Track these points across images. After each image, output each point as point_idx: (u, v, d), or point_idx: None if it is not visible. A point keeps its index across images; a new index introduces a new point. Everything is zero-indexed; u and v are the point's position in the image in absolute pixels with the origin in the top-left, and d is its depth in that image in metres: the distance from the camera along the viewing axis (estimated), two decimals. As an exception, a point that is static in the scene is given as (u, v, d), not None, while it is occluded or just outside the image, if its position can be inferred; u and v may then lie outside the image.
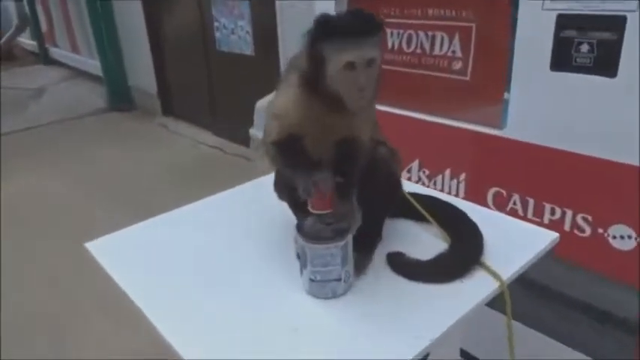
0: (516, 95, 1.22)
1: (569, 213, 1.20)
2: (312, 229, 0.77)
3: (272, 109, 0.87)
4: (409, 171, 1.52)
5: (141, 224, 1.08)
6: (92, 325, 2.03)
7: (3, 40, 7.48)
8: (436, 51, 1.39)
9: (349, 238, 0.79)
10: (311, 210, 0.77)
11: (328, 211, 0.77)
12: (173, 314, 0.80)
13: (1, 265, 2.41)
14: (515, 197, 1.29)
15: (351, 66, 0.73)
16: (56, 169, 3.70)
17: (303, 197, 0.77)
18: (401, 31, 1.46)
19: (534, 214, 1.26)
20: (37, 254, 2.57)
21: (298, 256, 0.83)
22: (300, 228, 0.78)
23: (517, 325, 1.19)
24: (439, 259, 0.89)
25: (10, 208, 3.08)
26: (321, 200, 0.76)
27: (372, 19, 0.75)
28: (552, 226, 1.21)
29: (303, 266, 0.80)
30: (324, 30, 0.74)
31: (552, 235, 0.96)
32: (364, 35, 0.73)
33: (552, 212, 1.23)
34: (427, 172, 1.49)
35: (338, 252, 0.77)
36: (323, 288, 0.80)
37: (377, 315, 0.78)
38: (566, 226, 1.21)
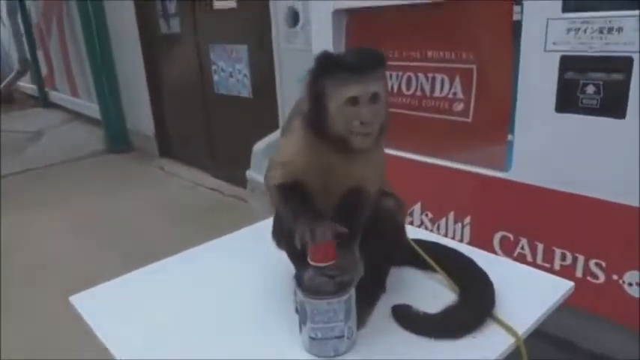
0: (521, 137, 1.19)
1: (580, 258, 1.15)
2: (312, 282, 0.71)
3: (277, 158, 0.83)
4: (411, 214, 1.47)
5: (132, 274, 1.03)
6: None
7: (4, 83, 7.57)
8: (437, 93, 1.37)
9: (352, 291, 0.74)
10: (310, 262, 0.72)
11: (329, 263, 0.71)
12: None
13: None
14: (523, 242, 1.25)
15: (353, 101, 0.71)
16: (54, 212, 3.65)
17: (299, 245, 0.72)
18: (400, 73, 1.45)
19: (544, 260, 1.21)
20: (34, 302, 2.48)
21: (297, 310, 0.77)
22: (299, 281, 0.73)
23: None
24: (449, 312, 0.83)
25: (7, 252, 3.00)
26: (321, 251, 0.71)
27: (374, 54, 0.73)
28: (563, 272, 1.16)
29: (302, 322, 0.74)
30: (326, 66, 0.72)
31: (567, 285, 0.91)
32: (367, 70, 0.71)
33: (563, 257, 1.18)
34: (430, 215, 1.45)
35: (341, 307, 0.71)
36: (325, 346, 0.73)
37: (384, 376, 0.72)
38: (578, 273, 1.16)
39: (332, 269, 0.71)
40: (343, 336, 0.74)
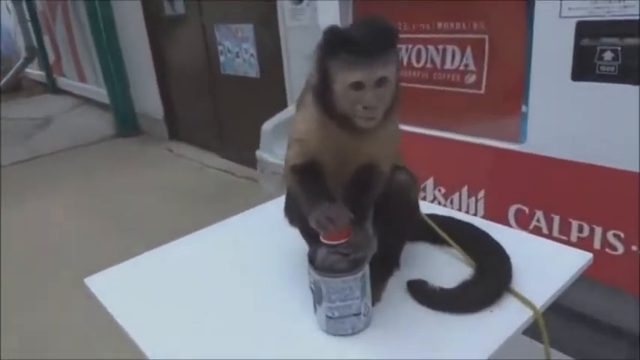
0: (535, 108, 1.16)
1: (598, 230, 1.13)
2: (326, 261, 0.70)
3: (293, 135, 0.81)
4: (424, 189, 1.45)
5: (144, 255, 1.03)
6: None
7: (12, 71, 7.59)
8: (447, 65, 1.34)
9: (366, 267, 0.73)
10: (323, 240, 0.70)
11: (342, 241, 0.70)
12: (177, 355, 0.74)
13: (3, 300, 2.36)
14: (539, 214, 1.23)
15: (358, 85, 0.68)
16: (64, 197, 3.69)
17: (317, 229, 0.71)
18: (410, 46, 1.41)
19: (560, 232, 1.19)
20: (42, 288, 2.51)
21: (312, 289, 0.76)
22: (312, 260, 0.71)
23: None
24: (465, 286, 0.82)
25: (19, 238, 3.04)
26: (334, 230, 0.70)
27: (384, 32, 0.68)
28: (581, 244, 1.14)
29: (317, 302, 0.74)
30: (332, 45, 0.68)
31: (585, 256, 0.89)
32: (374, 52, 0.67)
33: (580, 229, 1.16)
34: (443, 190, 1.43)
35: (357, 284, 0.71)
36: (342, 325, 0.73)
37: (402, 351, 0.71)
38: (596, 244, 1.14)
39: (345, 247, 0.70)
40: (360, 313, 0.73)
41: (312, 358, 0.71)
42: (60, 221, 3.31)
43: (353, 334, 0.74)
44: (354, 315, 0.73)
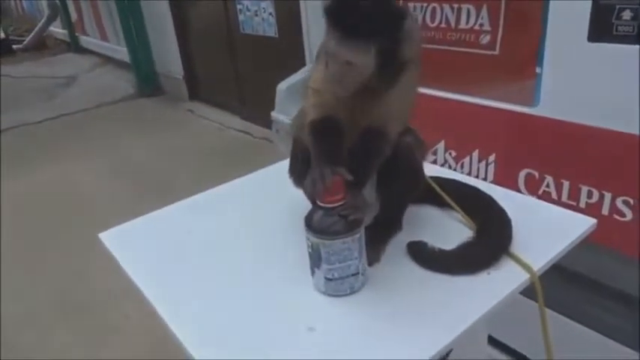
0: (550, 69, 1.13)
1: (607, 196, 1.12)
2: (322, 223, 0.71)
3: (310, 84, 0.81)
4: (435, 153, 1.45)
5: (157, 212, 1.05)
6: (118, 312, 2.05)
7: (36, 29, 7.64)
8: (462, 24, 1.30)
9: (362, 228, 0.74)
10: (319, 203, 0.71)
11: (339, 204, 0.71)
12: (185, 310, 0.77)
13: (25, 254, 2.46)
14: (549, 179, 1.21)
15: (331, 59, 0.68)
16: (86, 156, 3.77)
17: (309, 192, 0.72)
18: (424, 5, 1.38)
19: (569, 198, 1.18)
20: (63, 244, 2.60)
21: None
22: (309, 224, 0.72)
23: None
24: (464, 248, 0.83)
25: (39, 197, 3.14)
26: (330, 193, 0.70)
27: (366, 18, 0.65)
28: (589, 210, 1.13)
29: (315, 266, 0.75)
30: (327, 10, 0.67)
31: (589, 222, 0.89)
32: (346, 37, 0.66)
33: (589, 195, 1.15)
34: (454, 153, 1.42)
35: (355, 245, 0.72)
36: (341, 285, 0.74)
37: (398, 309, 0.73)
38: (605, 211, 1.13)
39: (342, 209, 0.71)
40: (358, 273, 0.75)
41: (309, 314, 0.74)
42: (82, 179, 3.40)
43: (351, 293, 0.76)
44: (353, 275, 0.74)
